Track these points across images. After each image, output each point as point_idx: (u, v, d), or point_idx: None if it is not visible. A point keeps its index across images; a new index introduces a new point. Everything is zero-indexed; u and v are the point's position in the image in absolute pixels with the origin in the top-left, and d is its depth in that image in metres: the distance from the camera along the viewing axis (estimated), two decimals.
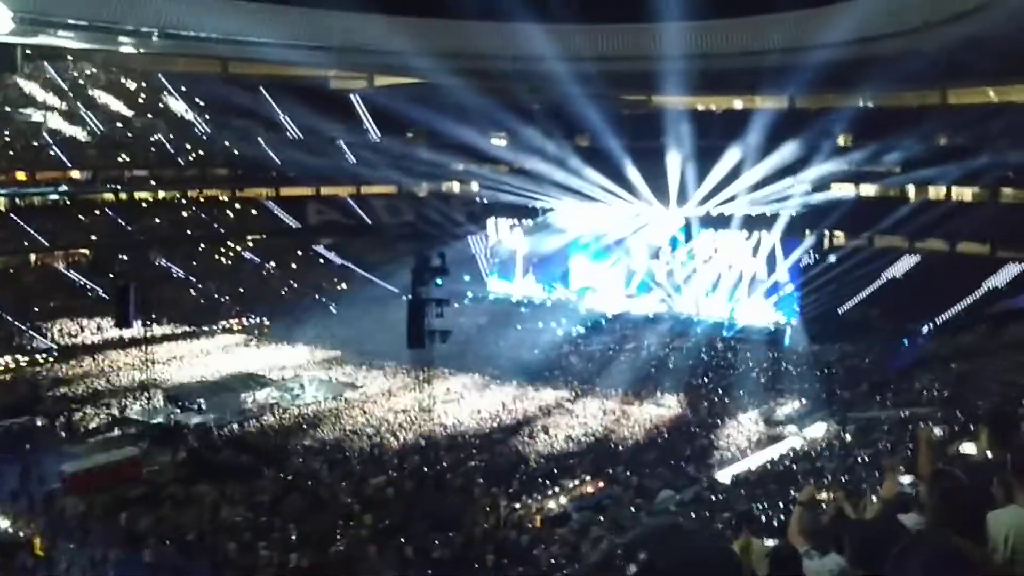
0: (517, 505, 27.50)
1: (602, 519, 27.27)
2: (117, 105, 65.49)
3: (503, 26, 66.69)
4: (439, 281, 30.49)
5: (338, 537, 24.87)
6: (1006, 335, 42.27)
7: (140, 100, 66.37)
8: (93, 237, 58.19)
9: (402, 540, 25.03)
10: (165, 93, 67.41)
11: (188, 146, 65.60)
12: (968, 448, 6.97)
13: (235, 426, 34.61)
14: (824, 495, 6.37)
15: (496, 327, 53.36)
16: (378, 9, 67.73)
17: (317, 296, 58.55)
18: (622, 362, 45.27)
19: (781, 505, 25.38)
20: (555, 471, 30.34)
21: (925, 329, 46.66)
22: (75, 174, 62.03)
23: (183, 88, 67.37)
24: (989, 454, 5.93)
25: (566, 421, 35.77)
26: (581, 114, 72.60)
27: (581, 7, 64.01)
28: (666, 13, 59.67)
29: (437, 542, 24.90)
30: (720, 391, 40.21)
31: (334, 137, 71.77)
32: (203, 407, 35.65)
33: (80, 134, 62.11)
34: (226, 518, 25.79)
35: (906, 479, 7.05)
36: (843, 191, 64.64)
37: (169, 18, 62.36)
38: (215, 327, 52.13)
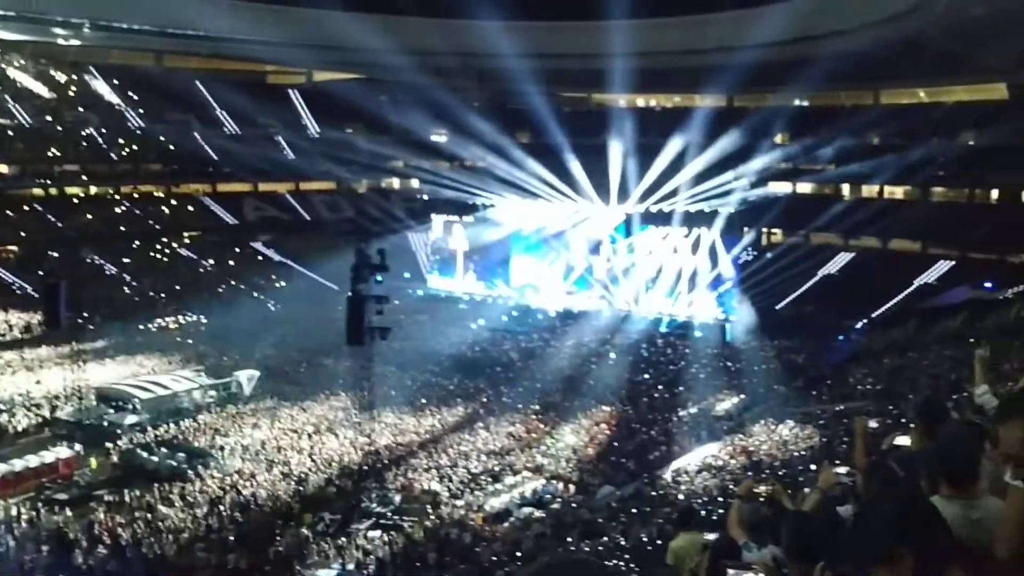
0: (459, 502, 27.45)
1: (543, 515, 27.36)
2: (47, 97, 63.89)
3: (444, 22, 66.50)
4: (379, 278, 30.19)
5: (277, 537, 24.60)
6: (936, 330, 43.22)
7: (71, 92, 64.81)
8: (22, 234, 56.74)
9: (343, 539, 24.85)
10: (97, 86, 65.91)
11: (121, 140, 64.27)
12: (902, 440, 7.06)
13: (171, 426, 34.01)
14: (762, 488, 6.44)
15: (436, 324, 53.29)
16: (317, 4, 67.11)
17: (255, 293, 57.78)
18: (562, 358, 45.40)
19: (721, 499, 25.67)
20: (496, 468, 30.35)
21: (859, 325, 47.54)
22: (2, 168, 60.48)
23: (116, 81, 65.95)
24: (919, 446, 6.02)
25: (506, 418, 35.77)
26: (523, 110, 72.79)
27: (523, 4, 63.95)
28: (606, 11, 59.96)
29: (378, 541, 24.77)
30: (660, 387, 40.49)
31: (272, 132, 70.93)
32: (137, 407, 34.95)
33: (8, 127, 60.53)
34: (161, 519, 25.33)
35: (842, 470, 7.14)
36: (780, 188, 65.68)
37: (102, 9, 61.00)
38: (150, 325, 51.18)
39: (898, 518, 2.53)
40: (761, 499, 6.67)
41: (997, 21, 45.44)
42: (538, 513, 27.48)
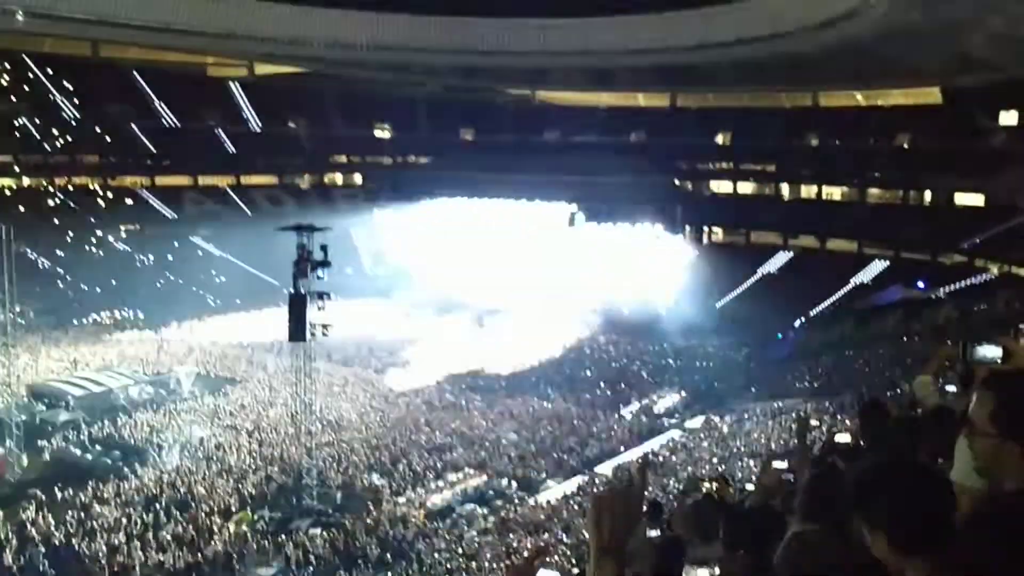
0: (400, 499, 27.35)
1: (486, 512, 27.38)
2: None
3: (386, 17, 66.10)
4: (321, 274, 29.93)
5: (215, 535, 24.27)
6: (871, 328, 44.11)
7: (2, 82, 63.05)
8: None
9: (282, 537, 24.61)
10: (30, 74, 64.20)
11: (55, 131, 62.72)
12: (842, 438, 7.20)
13: (106, 423, 33.33)
14: (706, 485, 6.52)
15: (379, 320, 53.08)
16: None
17: (194, 288, 56.91)
18: (505, 353, 45.45)
19: (661, 495, 25.90)
20: (438, 465, 30.28)
21: (798, 323, 48.31)
22: None
23: (50, 70, 64.33)
24: (860, 442, 6.13)
25: (449, 415, 35.72)
26: (466, 107, 72.75)
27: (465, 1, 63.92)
28: (550, 9, 60.25)
29: (319, 538, 24.57)
30: (602, 384, 40.73)
31: (212, 125, 69.90)
32: (71, 404, 34.23)
33: None
34: (96, 518, 24.84)
35: (783, 465, 7.24)
36: (721, 187, 66.49)
37: None
38: (85, 320, 50.20)
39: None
40: (702, 496, 6.75)
41: (933, 27, 46.42)
42: (480, 510, 27.48)
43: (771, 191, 64.91)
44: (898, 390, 30.09)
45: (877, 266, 51.79)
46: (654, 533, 6.84)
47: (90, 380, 36.96)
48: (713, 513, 5.80)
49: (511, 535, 24.89)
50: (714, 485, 7.31)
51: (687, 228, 56.60)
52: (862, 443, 5.85)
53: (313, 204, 66.13)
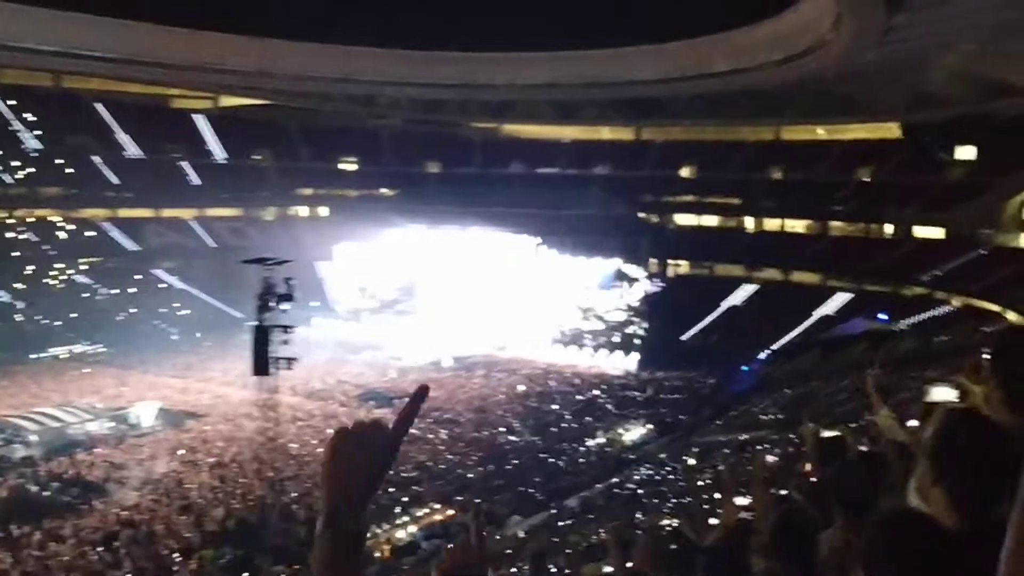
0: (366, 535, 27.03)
1: (451, 546, 27.15)
2: None
3: (353, 50, 66.40)
4: (285, 307, 29.73)
5: (176, 573, 23.85)
6: (836, 360, 44.43)
7: None
8: None
9: (245, 574, 24.23)
10: None
11: (17, 163, 62.07)
12: (806, 467, 7.22)
13: (64, 460, 32.76)
14: (667, 521, 6.54)
15: (344, 352, 52.82)
16: (223, 28, 66.30)
17: (156, 322, 56.36)
18: (471, 387, 45.35)
19: (629, 531, 25.79)
20: (404, 499, 30.02)
21: (763, 355, 48.59)
22: None
23: (12, 101, 63.78)
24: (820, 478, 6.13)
25: (415, 448, 35.43)
26: (432, 139, 72.93)
27: (432, 35, 64.35)
28: (516, 44, 60.75)
29: (283, 575, 24.23)
30: (567, 416, 40.65)
31: (176, 157, 69.52)
32: (28, 440, 33.63)
33: None
34: (53, 556, 24.33)
35: (744, 501, 7.24)
36: (685, 220, 67.03)
37: None
38: (44, 354, 49.49)
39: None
40: (667, 532, 6.72)
41: (889, 65, 47.33)
42: (447, 544, 27.23)
43: (735, 223, 65.54)
44: (862, 422, 30.34)
45: (840, 298, 52.36)
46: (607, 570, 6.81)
47: (48, 415, 36.35)
48: (683, 552, 5.76)
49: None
50: (678, 522, 7.30)
51: (652, 261, 56.86)
52: (821, 477, 5.85)
53: (278, 236, 65.87)
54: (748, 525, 5.99)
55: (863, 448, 6.52)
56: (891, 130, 59.50)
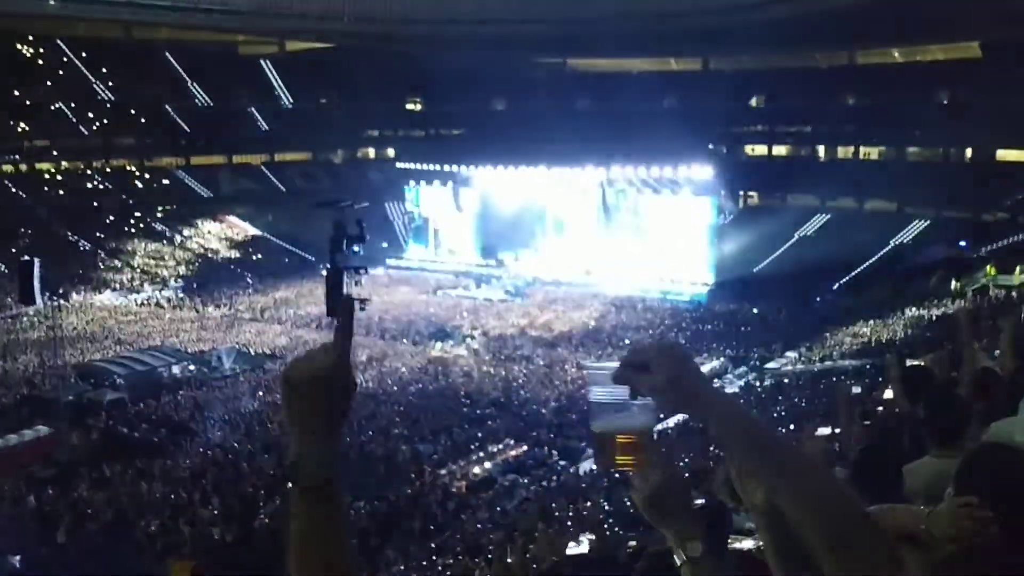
0: (442, 471, 27.53)
1: (527, 481, 27.52)
2: (13, 72, 62.68)
3: None
4: (357, 249, 30.02)
5: (261, 509, 24.60)
6: (910, 290, 43.66)
7: (38, 66, 63.64)
8: None
9: None
10: (64, 59, 64.80)
11: (91, 114, 63.38)
12: (889, 394, 7.13)
13: (151, 401, 33.86)
14: None
15: (416, 292, 53.42)
16: None
17: (232, 267, 57.52)
18: (544, 323, 45.51)
19: (701, 461, 25.87)
20: (478, 435, 30.44)
21: (836, 286, 47.88)
22: None
23: (84, 54, 64.91)
24: (899, 408, 6.05)
25: (489, 385, 35.84)
26: (498, 77, 72.41)
27: None
28: None
29: (362, 510, 24.82)
30: None
31: (245, 103, 70.29)
32: (117, 383, 34.79)
33: None
34: (145, 496, 25.27)
35: (826, 431, 7.21)
36: (756, 151, 65.85)
37: None
38: (126, 301, 50.86)
39: None
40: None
41: None
42: (522, 479, 27.62)
43: (807, 153, 64.19)
44: (941, 352, 29.83)
45: (917, 226, 51.14)
46: (699, 500, 6.82)
47: (134, 359, 37.52)
48: None
49: (553, 504, 24.99)
50: None
51: (723, 192, 56.06)
52: (906, 407, 5.76)
53: (348, 179, 66.48)
54: (830, 455, 5.97)
55: (952, 376, 6.41)
56: (972, 50, 57.39)
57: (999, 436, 3.58)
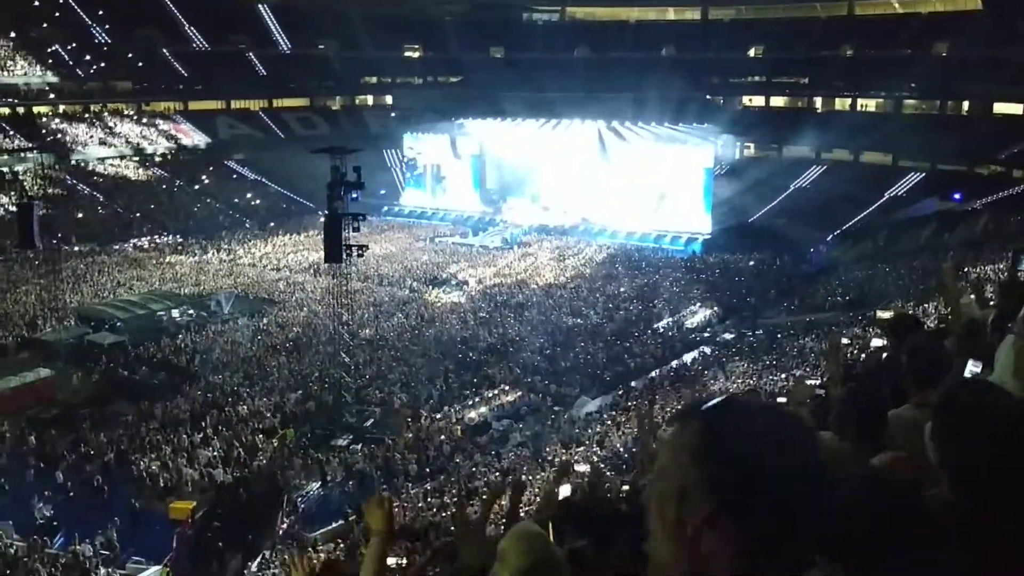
0: (438, 415, 27.99)
1: (522, 426, 28.04)
2: (10, 16, 62.09)
3: None
4: (355, 195, 30.20)
5: (260, 452, 25.08)
6: (903, 242, 43.93)
7: (36, 8, 63.00)
8: None
9: (324, 452, 25.38)
10: (61, 1, 64.15)
11: (88, 57, 62.96)
12: (876, 343, 7.39)
13: (151, 345, 34.20)
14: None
15: (413, 240, 53.63)
16: None
17: (231, 212, 57.60)
18: (539, 272, 45.78)
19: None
20: (474, 381, 30.86)
21: (830, 237, 48.16)
22: None
23: None
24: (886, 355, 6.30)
25: (484, 332, 36.19)
26: (496, 25, 71.89)
27: None
28: None
29: (360, 454, 25.32)
30: (635, 300, 40.98)
31: (243, 49, 69.80)
32: (117, 326, 35.11)
33: None
34: (145, 436, 25.73)
35: (815, 382, 7.56)
36: (753, 102, 65.71)
37: None
38: (125, 245, 50.98)
39: None
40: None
41: None
42: (516, 424, 28.13)
43: (804, 104, 64.11)
44: (933, 303, 30.23)
45: (912, 178, 51.31)
46: None
47: (134, 303, 37.80)
48: None
49: (546, 449, 25.52)
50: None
51: (719, 142, 56.04)
52: (894, 354, 5.87)
53: (345, 125, 66.26)
54: (817, 403, 6.24)
55: (940, 327, 6.57)
56: (971, 1, 57.09)
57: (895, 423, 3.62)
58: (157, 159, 61.47)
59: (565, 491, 10.47)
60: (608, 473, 19.53)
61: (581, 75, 62.68)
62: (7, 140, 56.98)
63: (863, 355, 8.04)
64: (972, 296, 7.31)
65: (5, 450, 25.33)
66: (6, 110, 59.47)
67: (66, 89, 62.26)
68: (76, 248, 47.78)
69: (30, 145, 56.25)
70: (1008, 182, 47.28)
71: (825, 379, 7.31)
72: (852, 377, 5.53)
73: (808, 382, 7.21)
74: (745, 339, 35.61)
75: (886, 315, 7.91)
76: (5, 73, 60.06)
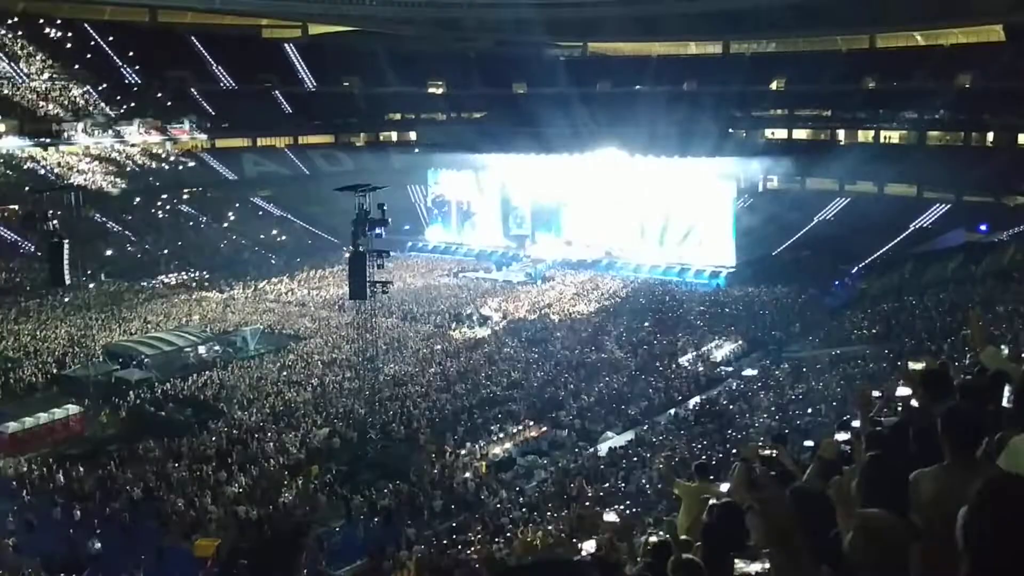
0: (463, 451, 27.97)
1: (546, 462, 27.95)
2: (43, 57, 63.24)
3: None
4: (379, 232, 30.48)
5: (285, 488, 25.14)
6: (929, 274, 43.63)
7: (66, 49, 64.11)
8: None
9: (349, 489, 25.39)
10: (92, 42, 65.32)
11: (119, 97, 63.94)
12: (903, 391, 7.31)
13: (178, 381, 34.45)
14: (766, 451, 6.73)
15: (438, 275, 53.84)
16: None
17: (256, 248, 58.07)
18: (563, 307, 45.75)
19: (717, 446, 26.25)
20: (498, 416, 30.84)
21: (855, 269, 47.91)
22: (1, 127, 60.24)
23: (110, 37, 65.48)
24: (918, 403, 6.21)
25: (509, 367, 36.20)
26: (518, 61, 72.42)
27: None
28: None
29: (385, 490, 25.31)
30: (659, 334, 40.87)
31: (269, 87, 70.70)
32: (145, 363, 35.38)
33: (4, 88, 60.18)
34: (172, 473, 25.86)
35: (843, 436, 7.50)
36: (776, 134, 65.73)
37: None
38: (153, 282, 51.43)
39: None
40: (764, 461, 7.01)
41: None
42: (541, 460, 28.05)
43: (827, 136, 64.08)
44: (957, 336, 29.99)
45: (937, 209, 51.06)
46: (724, 487, 7.09)
47: (161, 340, 38.10)
48: (774, 478, 5.94)
49: (571, 484, 25.42)
50: (772, 452, 7.49)
51: (742, 176, 56.04)
52: (924, 407, 5.75)
53: (369, 162, 66.80)
54: (846, 459, 6.19)
55: (967, 378, 6.39)
56: (994, 33, 57.03)
57: (1018, 452, 3.58)
58: (184, 196, 62.09)
59: (589, 547, 10.35)
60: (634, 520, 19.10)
61: (603, 110, 62.97)
62: (38, 180, 57.70)
63: (885, 407, 7.94)
64: (997, 349, 7.17)
65: (32, 487, 25.58)
66: (39, 150, 60.36)
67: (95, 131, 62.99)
68: (104, 285, 48.23)
69: (61, 183, 56.94)
70: None
71: (851, 435, 7.25)
72: (878, 439, 5.34)
73: (836, 437, 7.17)
74: (770, 373, 35.39)
75: (918, 366, 7.90)
76: (39, 112, 61.02)
